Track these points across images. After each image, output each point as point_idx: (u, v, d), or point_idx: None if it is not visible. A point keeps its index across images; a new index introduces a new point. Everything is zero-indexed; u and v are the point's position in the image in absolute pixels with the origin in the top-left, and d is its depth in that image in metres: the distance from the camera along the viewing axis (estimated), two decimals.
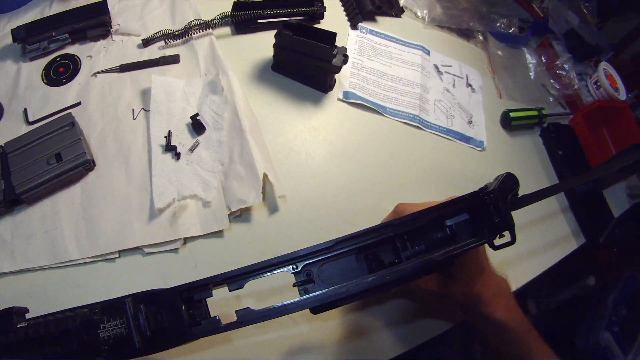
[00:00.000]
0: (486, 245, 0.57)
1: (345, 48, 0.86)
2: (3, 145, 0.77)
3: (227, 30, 0.98)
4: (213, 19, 0.95)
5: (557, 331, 1.13)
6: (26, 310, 0.54)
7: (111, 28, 0.95)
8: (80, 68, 0.91)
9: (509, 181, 0.57)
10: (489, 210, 0.56)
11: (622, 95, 1.07)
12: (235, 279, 0.53)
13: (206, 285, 0.52)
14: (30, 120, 0.84)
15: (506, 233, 0.57)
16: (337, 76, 0.92)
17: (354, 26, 1.04)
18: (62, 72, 0.90)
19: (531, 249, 0.88)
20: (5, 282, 0.70)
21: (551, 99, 1.12)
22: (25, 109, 0.85)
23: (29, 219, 0.75)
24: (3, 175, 0.75)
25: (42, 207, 0.76)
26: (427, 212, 0.57)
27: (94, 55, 0.92)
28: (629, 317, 1.04)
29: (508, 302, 0.64)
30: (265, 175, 0.77)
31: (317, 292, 0.53)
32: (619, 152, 1.02)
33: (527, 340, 0.63)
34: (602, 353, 1.01)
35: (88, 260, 0.72)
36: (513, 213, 0.56)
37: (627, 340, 1.00)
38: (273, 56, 0.93)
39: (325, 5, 1.02)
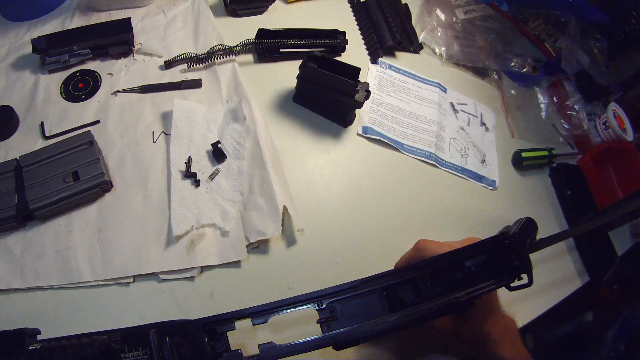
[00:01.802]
0: None
1: (368, 84, 0.87)
2: (18, 158, 0.77)
3: (249, 57, 0.99)
4: (236, 46, 0.95)
5: None
6: (38, 332, 0.53)
7: (133, 47, 0.96)
8: (100, 85, 0.91)
9: (529, 226, 0.59)
10: (508, 253, 0.57)
11: (630, 136, 1.08)
12: (260, 313, 0.53)
13: (230, 319, 0.52)
14: (47, 134, 0.84)
15: (523, 275, 0.58)
16: (357, 111, 0.93)
17: (374, 61, 1.05)
18: (81, 87, 0.90)
19: (538, 287, 0.88)
20: (14, 299, 0.69)
21: (561, 139, 1.13)
22: (42, 123, 0.85)
23: (42, 236, 0.74)
24: (17, 190, 0.74)
25: (55, 225, 0.75)
26: (451, 254, 0.59)
27: (115, 73, 0.92)
28: (628, 353, 1.05)
29: (515, 342, 0.65)
30: (285, 208, 0.77)
31: (342, 330, 0.53)
32: (628, 195, 1.03)
33: None
34: None
35: (101, 283, 0.72)
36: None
37: None
38: (296, 87, 0.93)
39: (347, 38, 1.03)
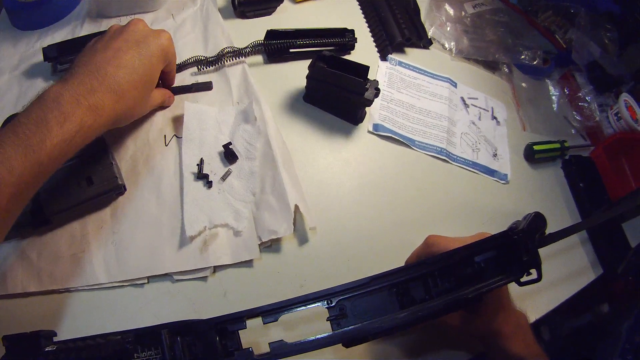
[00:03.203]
0: None
1: (377, 81, 0.87)
2: None
3: (259, 58, 0.99)
4: (245, 47, 0.95)
5: (571, 358, 1.13)
6: (54, 334, 0.54)
7: None
8: None
9: (537, 221, 0.59)
10: (517, 248, 0.58)
11: None
12: (271, 312, 0.54)
13: (241, 318, 0.54)
14: None
15: (533, 270, 0.58)
16: (367, 108, 0.93)
17: (383, 57, 1.05)
18: None
19: (551, 280, 0.88)
20: (30, 302, 0.70)
21: (573, 131, 1.12)
22: None
23: (57, 240, 0.75)
24: None
25: (70, 229, 0.76)
26: (459, 250, 0.59)
27: None
28: None
29: (526, 337, 0.65)
30: (296, 207, 0.77)
31: (351, 327, 0.54)
32: None
33: None
34: None
35: (116, 284, 0.73)
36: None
37: None
38: (305, 87, 0.93)
39: (355, 36, 1.03)
